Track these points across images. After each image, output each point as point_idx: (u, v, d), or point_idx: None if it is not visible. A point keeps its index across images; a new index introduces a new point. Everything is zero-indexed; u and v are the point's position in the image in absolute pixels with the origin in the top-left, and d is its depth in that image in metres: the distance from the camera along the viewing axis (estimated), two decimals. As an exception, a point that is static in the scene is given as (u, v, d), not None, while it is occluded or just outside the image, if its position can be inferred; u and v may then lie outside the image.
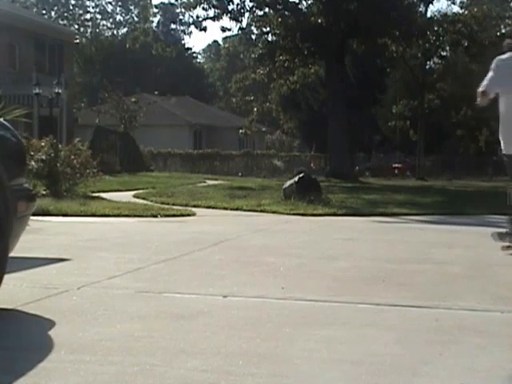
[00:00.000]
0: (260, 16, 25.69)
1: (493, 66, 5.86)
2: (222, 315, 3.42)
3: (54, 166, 11.64)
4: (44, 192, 11.18)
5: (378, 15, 22.22)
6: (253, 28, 26.74)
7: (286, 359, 2.69)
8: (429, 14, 29.03)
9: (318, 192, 11.65)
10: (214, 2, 24.62)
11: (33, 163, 11.18)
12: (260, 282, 4.38)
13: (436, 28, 26.45)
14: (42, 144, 12.04)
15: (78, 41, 42.48)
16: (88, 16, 67.45)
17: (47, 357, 2.68)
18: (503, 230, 6.09)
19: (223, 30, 26.78)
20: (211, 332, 3.08)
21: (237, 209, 10.43)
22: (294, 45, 24.55)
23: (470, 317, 3.47)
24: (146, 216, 9.07)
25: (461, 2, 32.50)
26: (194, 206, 10.80)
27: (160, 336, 3.01)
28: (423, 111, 32.14)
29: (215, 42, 77.23)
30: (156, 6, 68.79)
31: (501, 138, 5.94)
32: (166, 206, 10.67)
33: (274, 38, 25.75)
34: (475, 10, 27.80)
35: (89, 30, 66.58)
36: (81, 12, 66.93)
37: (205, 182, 21.00)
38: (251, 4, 25.19)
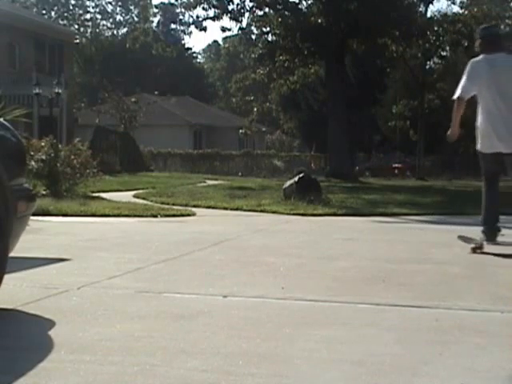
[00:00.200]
0: (260, 16, 25.68)
1: (467, 68, 5.84)
2: (222, 315, 3.43)
3: (54, 165, 11.64)
4: (44, 192, 11.18)
5: (378, 15, 22.21)
6: (253, 28, 26.75)
7: (286, 359, 2.69)
8: (429, 14, 29.05)
9: (318, 192, 11.65)
10: (214, 2, 24.61)
11: (33, 163, 11.18)
12: (260, 282, 4.38)
13: (436, 28, 26.45)
14: (42, 144, 12.05)
15: (77, 41, 42.48)
16: (88, 16, 67.50)
17: (47, 357, 2.68)
18: (466, 234, 6.23)
19: (223, 30, 26.81)
20: (211, 332, 3.08)
21: (237, 209, 10.44)
22: (294, 45, 24.54)
23: (469, 317, 3.47)
24: (146, 216, 9.07)
25: (461, 2, 32.48)
26: (194, 206, 10.80)
27: (160, 336, 3.01)
28: (423, 111, 32.13)
29: (215, 42, 77.32)
30: (156, 6, 68.84)
31: (485, 136, 5.82)
32: (166, 206, 10.67)
33: (274, 38, 25.74)
34: (475, 10, 27.79)
35: (89, 30, 66.58)
36: (81, 12, 66.94)
37: (205, 182, 21.00)
38: (251, 4, 25.20)
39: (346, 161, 24.78)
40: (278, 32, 25.02)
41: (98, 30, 67.18)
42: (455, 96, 5.76)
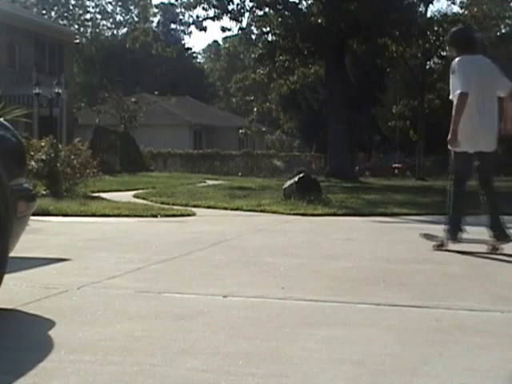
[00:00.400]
0: (260, 16, 25.67)
1: (460, 65, 5.78)
2: (222, 315, 3.43)
3: (54, 165, 11.64)
4: (44, 192, 11.19)
5: (378, 15, 22.21)
6: (253, 28, 26.73)
7: (286, 359, 2.69)
8: (429, 14, 29.04)
9: (318, 192, 11.65)
10: (214, 2, 24.60)
11: (33, 163, 11.18)
12: (260, 282, 4.38)
13: (436, 28, 26.43)
14: (42, 144, 12.05)
15: (77, 41, 42.47)
16: (88, 16, 67.47)
17: (47, 357, 2.68)
18: (428, 232, 6.30)
19: (223, 30, 26.76)
20: (211, 332, 3.09)
21: (237, 209, 10.43)
22: (294, 45, 24.53)
23: (470, 317, 3.47)
24: (146, 216, 9.07)
25: (461, 2, 32.45)
26: (194, 206, 10.80)
27: (160, 336, 3.01)
28: (423, 111, 32.13)
29: (215, 41, 77.29)
30: (156, 6, 68.68)
31: (470, 135, 5.78)
32: (166, 206, 10.67)
33: (274, 37, 25.73)
34: (475, 10, 27.79)
35: (89, 30, 66.58)
36: (81, 12, 66.91)
37: (205, 182, 21.00)
38: (251, 4, 25.18)
39: (345, 161, 24.77)
40: (278, 32, 25.01)
41: (98, 30, 67.17)
42: (459, 91, 5.60)
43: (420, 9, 28.02)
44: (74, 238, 6.56)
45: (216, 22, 25.15)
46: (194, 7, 25.18)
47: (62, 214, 8.87)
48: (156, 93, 40.97)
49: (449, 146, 5.83)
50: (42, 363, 2.60)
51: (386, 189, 17.91)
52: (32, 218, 4.21)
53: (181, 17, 46.52)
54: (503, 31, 33.98)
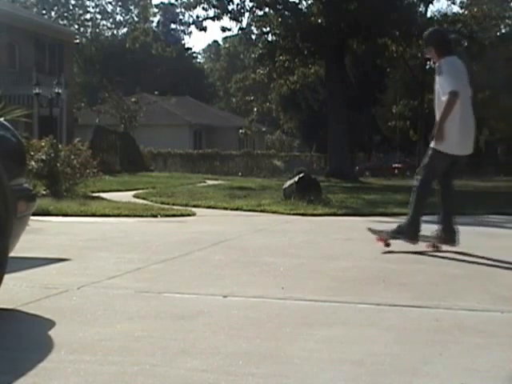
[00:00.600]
0: (260, 16, 25.67)
1: (450, 65, 5.73)
2: (221, 315, 3.43)
3: (54, 165, 11.64)
4: (44, 192, 11.18)
5: (378, 15, 22.21)
6: (253, 28, 26.73)
7: (286, 359, 2.69)
8: (429, 14, 29.02)
9: (318, 192, 11.65)
10: (214, 2, 24.60)
11: (33, 163, 11.18)
12: (260, 281, 4.38)
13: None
14: (42, 144, 12.05)
15: (77, 41, 42.47)
16: (88, 16, 67.47)
17: (47, 357, 2.68)
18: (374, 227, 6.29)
19: (223, 30, 26.76)
20: (211, 332, 3.09)
21: (237, 209, 10.43)
22: (294, 45, 24.53)
23: (470, 317, 3.47)
24: (146, 216, 9.07)
25: (461, 2, 32.45)
26: (194, 206, 10.79)
27: (160, 336, 3.01)
28: (423, 111, 32.13)
29: (215, 42, 77.29)
30: (156, 6, 68.79)
31: (459, 137, 5.76)
32: (166, 206, 10.67)
33: (274, 37, 25.73)
34: (475, 10, 27.77)
35: (89, 30, 66.57)
36: (81, 12, 66.91)
37: (205, 182, 21.00)
38: (251, 4, 25.18)
39: (345, 161, 24.78)
40: (278, 32, 25.01)
41: (98, 30, 67.16)
42: (452, 89, 5.53)
43: (420, 9, 28.02)
44: (74, 238, 6.56)
45: (216, 21, 25.18)
46: (194, 7, 25.19)
47: (62, 214, 8.87)
48: (156, 93, 40.98)
49: (435, 146, 5.71)
50: (42, 363, 2.60)
51: (385, 189, 17.91)
52: (32, 218, 4.21)
53: (181, 17, 46.60)
54: (503, 31, 34.00)
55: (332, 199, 11.67)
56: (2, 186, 3.33)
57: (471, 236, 7.41)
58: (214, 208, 10.72)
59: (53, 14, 63.74)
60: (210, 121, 44.82)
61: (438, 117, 5.72)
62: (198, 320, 3.33)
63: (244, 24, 25.67)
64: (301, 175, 11.89)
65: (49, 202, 9.72)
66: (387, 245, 5.93)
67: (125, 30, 67.74)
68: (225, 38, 66.16)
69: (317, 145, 40.22)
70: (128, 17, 69.50)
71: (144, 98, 37.95)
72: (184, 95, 48.52)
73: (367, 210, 10.39)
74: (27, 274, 4.48)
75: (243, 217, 9.50)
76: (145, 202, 11.69)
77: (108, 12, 69.00)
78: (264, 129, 45.36)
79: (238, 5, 24.83)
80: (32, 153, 11.32)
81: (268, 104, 32.60)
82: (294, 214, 9.67)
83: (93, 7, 68.46)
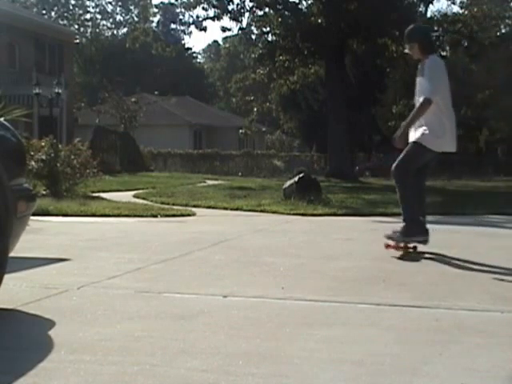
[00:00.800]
0: (260, 16, 25.65)
1: (436, 66, 5.67)
2: (221, 315, 3.43)
3: (54, 165, 11.65)
4: (44, 192, 11.19)
5: (378, 15, 22.20)
6: (253, 28, 26.71)
7: (286, 359, 2.69)
8: (429, 14, 28.99)
9: (318, 192, 11.65)
10: (214, 2, 24.59)
11: (33, 163, 11.18)
12: (260, 281, 4.38)
13: (436, 28, 26.43)
14: (42, 144, 12.05)
15: (77, 41, 42.47)
16: (88, 16, 67.45)
17: (47, 357, 2.68)
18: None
19: (223, 30, 26.72)
20: (211, 332, 3.09)
21: (237, 209, 10.43)
22: (294, 45, 24.52)
23: (470, 317, 3.47)
24: (146, 216, 9.07)
25: (461, 2, 32.42)
26: (194, 206, 10.79)
27: (160, 336, 3.01)
28: (423, 111, 32.05)
29: (215, 42, 77.26)
30: (156, 6, 68.74)
31: (444, 134, 5.72)
32: (166, 206, 10.67)
33: (274, 37, 25.71)
34: (475, 10, 27.76)
35: (89, 30, 66.55)
36: (81, 12, 66.89)
37: (205, 182, 20.99)
38: (251, 4, 25.16)
39: (345, 161, 24.77)
40: (278, 32, 24.99)
41: (98, 30, 67.14)
42: (426, 96, 5.51)
43: (420, 9, 28.00)
44: (74, 238, 6.56)
45: (216, 21, 25.13)
46: (194, 7, 25.17)
47: (62, 214, 8.87)
48: (156, 93, 40.98)
49: (422, 141, 5.61)
50: (42, 363, 2.60)
51: (385, 189, 17.88)
52: (32, 218, 4.21)
53: (181, 17, 46.56)
54: (503, 31, 34.00)
55: (332, 199, 11.67)
56: (2, 186, 3.33)
57: (471, 236, 7.42)
58: (214, 208, 10.72)
59: (53, 14, 63.72)
60: (210, 121, 44.81)
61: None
62: (198, 320, 3.33)
63: (244, 24, 25.66)
64: (301, 175, 11.89)
65: (49, 202, 9.72)
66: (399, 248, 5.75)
67: (125, 30, 67.74)
68: (225, 38, 66.17)
69: (317, 145, 40.18)
70: (128, 17, 69.50)
71: (144, 97, 37.94)
72: (184, 95, 48.51)
73: (367, 210, 10.39)
74: (27, 274, 4.48)
75: (243, 217, 9.50)
76: (145, 201, 11.69)
77: (108, 12, 69.00)
78: (264, 129, 45.34)
79: (238, 5, 24.82)
80: (32, 153, 11.32)
81: (268, 104, 32.56)
82: (294, 214, 9.67)
83: (93, 7, 68.49)
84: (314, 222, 8.75)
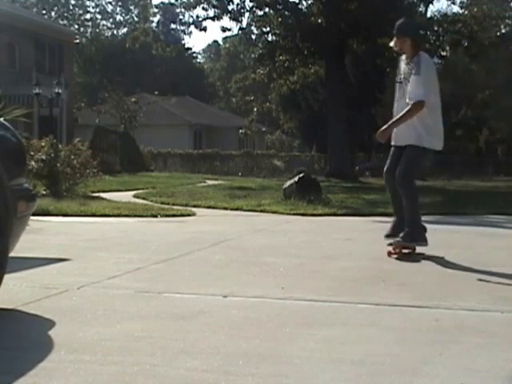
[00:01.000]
0: (260, 16, 25.66)
1: (429, 66, 5.61)
2: (222, 315, 3.43)
3: (54, 165, 11.64)
4: (44, 192, 11.18)
5: (378, 15, 22.20)
6: (253, 28, 26.72)
7: (286, 359, 2.69)
8: (429, 14, 29.02)
9: (318, 192, 11.64)
10: (214, 2, 24.59)
11: (33, 163, 11.18)
12: (260, 281, 4.38)
13: (436, 28, 26.44)
14: (42, 144, 12.04)
15: (78, 41, 42.45)
16: (88, 16, 67.44)
17: (47, 357, 2.68)
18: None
19: (223, 30, 26.74)
20: (211, 332, 3.09)
21: (237, 209, 10.43)
22: (294, 45, 24.52)
23: (469, 317, 3.47)
24: (146, 216, 9.07)
25: (461, 2, 32.45)
26: (194, 206, 10.79)
27: (160, 336, 3.01)
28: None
29: (215, 41, 77.24)
30: (156, 6, 68.74)
31: (439, 134, 5.70)
32: (166, 206, 10.67)
33: (274, 37, 25.72)
34: (475, 10, 27.78)
35: (89, 30, 66.54)
36: (81, 12, 66.89)
37: (205, 182, 20.99)
38: (251, 4, 25.17)
39: (345, 161, 24.77)
40: (278, 32, 25.00)
41: (98, 30, 67.13)
42: (420, 98, 5.44)
43: (420, 9, 28.02)
44: (74, 238, 6.56)
45: (216, 21, 25.15)
46: (194, 7, 25.17)
47: (62, 214, 8.87)
48: (156, 93, 40.95)
49: (424, 145, 5.57)
50: (42, 363, 2.60)
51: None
52: (32, 218, 4.21)
53: (181, 17, 46.62)
54: (503, 31, 34.01)
55: (332, 199, 11.67)
56: (2, 186, 3.33)
57: (472, 236, 7.42)
58: (214, 208, 10.72)
59: (53, 14, 63.72)
60: (210, 121, 44.81)
61: (404, 110, 5.58)
62: (198, 320, 3.33)
63: (244, 24, 25.67)
64: (301, 175, 11.89)
65: (49, 202, 9.71)
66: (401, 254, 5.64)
67: (125, 30, 67.76)
68: (225, 38, 66.15)
69: (317, 145, 40.17)
70: (128, 17, 69.50)
71: (144, 97, 37.93)
72: (184, 95, 48.49)
73: (367, 210, 10.39)
74: (27, 274, 4.48)
75: (243, 217, 9.50)
76: (145, 201, 11.69)
77: (108, 12, 69.00)
78: (264, 129, 45.35)
79: (238, 5, 24.82)
80: (32, 153, 11.31)
81: (268, 104, 32.59)
82: (294, 214, 9.67)
83: (93, 7, 68.49)
84: (314, 222, 8.75)
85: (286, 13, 24.66)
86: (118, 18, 69.41)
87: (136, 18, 68.27)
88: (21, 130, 16.18)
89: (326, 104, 27.92)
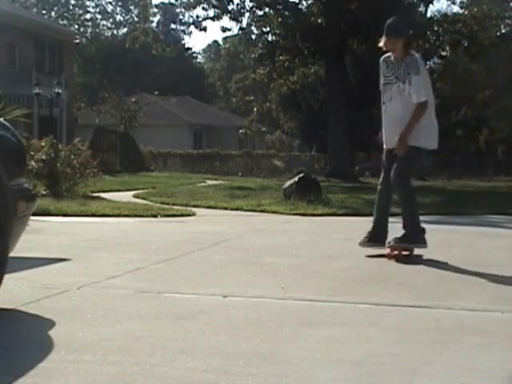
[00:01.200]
0: (260, 16, 25.66)
1: (422, 66, 5.54)
2: (222, 315, 3.43)
3: (54, 165, 11.64)
4: (44, 192, 11.18)
5: (378, 15, 22.16)
6: (253, 28, 26.73)
7: (286, 359, 2.69)
8: (429, 14, 29.02)
9: (318, 192, 11.64)
10: (214, 2, 24.60)
11: (33, 163, 11.18)
12: (260, 281, 4.38)
13: (436, 28, 26.44)
14: (42, 144, 12.04)
15: (77, 41, 42.46)
16: (88, 16, 67.44)
17: (47, 357, 2.68)
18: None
19: (223, 30, 26.73)
20: (211, 332, 3.09)
21: (237, 209, 10.43)
22: (294, 45, 24.53)
23: (469, 317, 3.47)
24: (146, 216, 9.07)
25: (461, 2, 32.46)
26: (194, 206, 10.79)
27: (160, 336, 3.01)
28: (423, 111, 32.02)
29: (215, 42, 77.21)
30: (156, 6, 68.71)
31: (434, 133, 5.68)
32: (166, 206, 10.67)
33: (274, 37, 25.72)
34: (475, 10, 27.79)
35: (89, 30, 66.55)
36: (81, 12, 66.89)
37: (205, 182, 20.99)
38: (251, 4, 25.17)
39: (345, 161, 24.77)
40: (278, 32, 25.00)
41: (98, 30, 67.13)
42: (423, 99, 5.41)
43: (420, 9, 28.02)
44: (74, 238, 6.56)
45: (216, 21, 25.16)
46: (194, 7, 25.18)
47: (62, 214, 8.87)
48: (156, 93, 40.95)
49: (415, 144, 5.50)
50: (42, 363, 2.60)
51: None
52: (32, 218, 4.21)
53: (181, 17, 46.55)
54: (503, 31, 34.00)
55: (332, 199, 11.67)
56: (2, 186, 3.33)
57: (472, 236, 7.42)
58: (214, 208, 10.72)
59: (53, 14, 63.71)
60: (210, 121, 44.81)
61: (397, 111, 5.53)
62: (198, 320, 3.33)
63: (244, 24, 25.68)
64: (301, 175, 11.89)
65: (49, 202, 9.71)
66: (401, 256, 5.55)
67: (125, 30, 67.77)
68: (225, 38, 66.09)
69: (317, 145, 40.16)
70: (128, 17, 69.51)
71: (144, 97, 37.93)
72: (184, 95, 48.48)
73: (367, 210, 10.34)
74: (27, 273, 4.48)
75: (243, 217, 9.50)
76: (145, 201, 11.69)
77: (108, 12, 69.00)
78: (264, 129, 45.35)
79: (238, 5, 24.83)
80: (32, 153, 11.31)
81: (268, 104, 32.59)
82: (293, 214, 9.67)
83: (93, 7, 68.49)
84: (314, 222, 8.75)
85: (286, 13, 24.66)
86: (118, 18, 69.46)
87: (136, 18, 68.28)
88: (21, 130, 16.15)
89: (325, 104, 27.92)
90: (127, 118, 32.91)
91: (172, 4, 49.83)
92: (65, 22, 61.29)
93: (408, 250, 5.53)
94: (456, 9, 52.02)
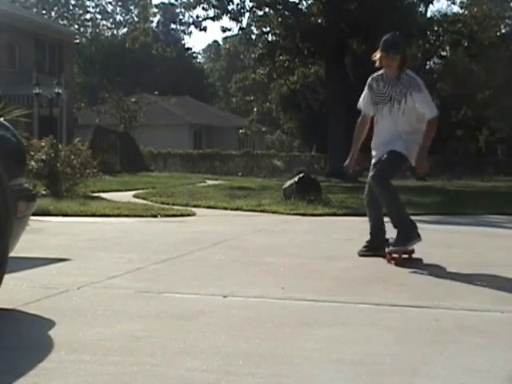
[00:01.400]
0: (260, 16, 25.68)
1: (422, 84, 5.48)
2: (222, 315, 3.43)
3: (54, 165, 11.64)
4: (44, 192, 11.18)
5: (378, 15, 22.21)
6: (253, 28, 26.75)
7: (286, 359, 2.69)
8: (429, 14, 29.04)
9: (318, 192, 11.64)
10: (214, 2, 24.61)
11: (33, 163, 11.18)
12: (260, 281, 4.38)
13: (436, 28, 26.44)
14: (42, 144, 12.04)
15: (77, 41, 42.44)
16: (88, 16, 67.45)
17: (47, 357, 2.68)
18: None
19: (223, 30, 26.75)
20: (211, 332, 3.09)
21: (237, 209, 10.43)
22: (294, 45, 24.54)
23: (469, 317, 3.47)
24: (146, 216, 9.07)
25: (461, 2, 32.45)
26: (194, 206, 10.79)
27: (160, 336, 3.01)
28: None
29: (215, 41, 77.23)
30: (156, 6, 68.68)
31: (414, 151, 5.53)
32: (166, 206, 10.67)
33: (274, 37, 25.73)
34: (475, 10, 27.79)
35: (89, 30, 66.55)
36: (81, 12, 66.89)
37: (205, 182, 20.98)
38: (251, 4, 25.19)
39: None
40: (278, 32, 25.01)
41: (98, 30, 67.13)
42: (436, 112, 5.43)
43: (420, 9, 28.03)
44: (74, 238, 6.56)
45: (216, 21, 25.19)
46: (194, 7, 25.19)
47: (61, 214, 8.87)
48: (156, 93, 40.94)
49: (407, 155, 5.44)
50: (42, 363, 2.60)
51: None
52: (32, 218, 4.21)
53: (181, 17, 46.53)
54: (503, 31, 33.98)
55: (332, 199, 11.67)
56: (2, 186, 3.33)
57: (472, 236, 7.42)
58: (214, 208, 10.72)
59: (53, 14, 63.71)
60: (210, 121, 44.81)
61: (391, 130, 5.49)
62: (198, 320, 3.33)
63: (244, 24, 25.70)
64: (301, 175, 11.88)
65: (49, 202, 9.71)
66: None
67: (125, 30, 67.74)
68: (225, 38, 66.09)
69: (317, 145, 40.18)
70: (128, 17, 69.49)
71: (144, 98, 37.92)
72: (184, 95, 48.49)
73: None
74: (27, 273, 4.48)
75: (243, 217, 9.50)
76: (145, 201, 11.69)
77: (108, 12, 69.00)
78: (264, 129, 45.34)
79: (237, 5, 24.84)
80: (32, 153, 11.31)
81: (268, 104, 32.57)
82: (294, 214, 9.67)
83: (93, 7, 68.49)
84: (314, 222, 8.75)
85: (286, 13, 24.67)
86: (118, 18, 69.46)
87: (136, 18, 68.20)
88: (21, 130, 16.15)
89: (326, 104, 27.94)
90: (127, 117, 32.91)
91: (172, 4, 49.79)
92: (65, 21, 61.29)
93: (407, 253, 5.48)
94: (456, 9, 52.05)
